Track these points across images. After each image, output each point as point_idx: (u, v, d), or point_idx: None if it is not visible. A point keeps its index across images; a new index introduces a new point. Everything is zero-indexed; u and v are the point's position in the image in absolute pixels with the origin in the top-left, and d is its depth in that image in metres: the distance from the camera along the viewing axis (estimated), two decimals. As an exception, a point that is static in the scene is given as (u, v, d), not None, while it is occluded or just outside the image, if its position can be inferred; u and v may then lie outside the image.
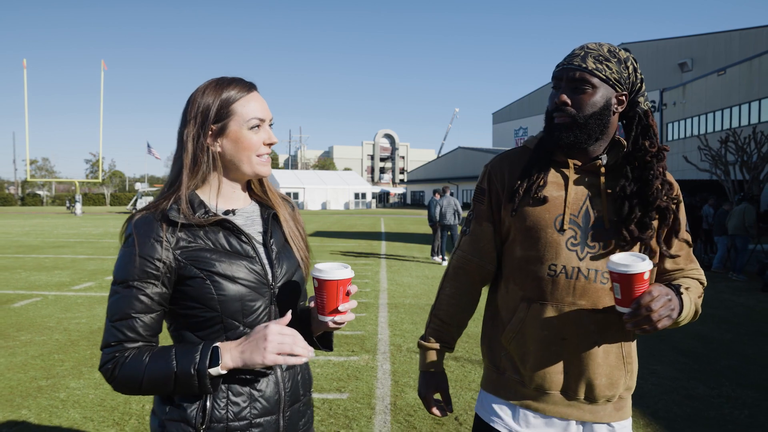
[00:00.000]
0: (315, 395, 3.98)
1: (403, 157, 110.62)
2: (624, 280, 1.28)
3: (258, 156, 1.36)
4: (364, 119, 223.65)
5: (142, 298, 1.23)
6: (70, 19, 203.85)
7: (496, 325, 1.58)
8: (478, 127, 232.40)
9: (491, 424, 1.52)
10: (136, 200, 42.87)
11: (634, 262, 1.29)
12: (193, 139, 1.31)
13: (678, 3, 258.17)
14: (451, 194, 12.50)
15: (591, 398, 1.45)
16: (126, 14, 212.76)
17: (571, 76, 1.43)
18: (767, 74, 25.28)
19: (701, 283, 1.54)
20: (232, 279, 1.27)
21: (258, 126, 1.35)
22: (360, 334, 5.86)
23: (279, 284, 1.35)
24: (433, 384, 1.58)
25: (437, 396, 1.61)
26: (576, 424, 1.47)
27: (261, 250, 1.37)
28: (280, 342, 1.19)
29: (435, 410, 1.58)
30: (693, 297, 1.44)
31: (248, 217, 1.41)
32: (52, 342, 5.50)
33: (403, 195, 71.61)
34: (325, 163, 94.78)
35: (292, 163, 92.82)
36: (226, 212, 1.37)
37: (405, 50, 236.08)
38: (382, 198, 66.90)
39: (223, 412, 1.27)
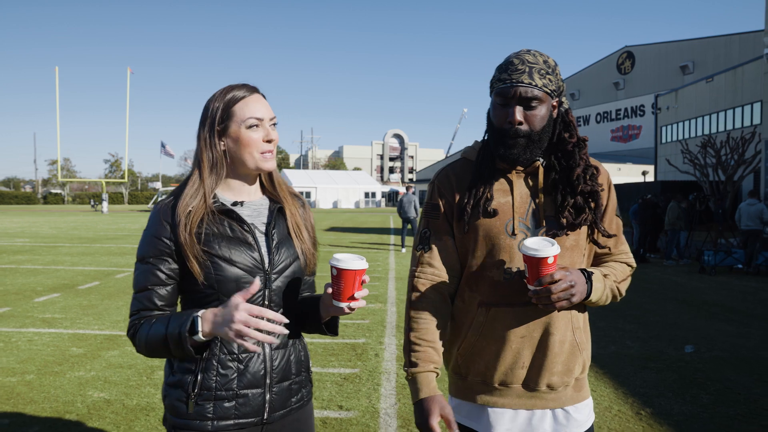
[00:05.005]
0: (348, 321, 6.30)
1: (412, 157, 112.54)
2: (530, 262, 1.38)
3: (261, 153, 1.46)
4: (374, 119, 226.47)
5: (157, 272, 1.41)
6: (87, 18, 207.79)
7: (454, 332, 1.61)
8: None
9: (468, 425, 1.58)
10: (156, 198, 45.36)
11: (542, 246, 1.38)
12: (204, 140, 1.46)
13: (681, 6, 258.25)
14: (413, 192, 14.78)
15: (551, 386, 1.53)
16: (141, 13, 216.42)
17: (522, 95, 1.44)
18: (750, 82, 27.12)
19: (629, 266, 1.62)
20: (230, 261, 1.41)
21: (256, 125, 1.45)
22: (375, 293, 8.25)
23: (275, 270, 1.47)
24: (434, 409, 1.44)
25: (440, 420, 1.46)
26: (541, 412, 1.54)
27: (262, 239, 1.49)
28: (244, 322, 1.25)
29: None
30: (610, 282, 1.53)
31: (255, 209, 1.53)
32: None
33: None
34: (336, 162, 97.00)
35: (303, 163, 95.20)
36: (234, 203, 1.50)
37: (414, 50, 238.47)
38: (392, 197, 69.13)
39: (212, 382, 1.41)
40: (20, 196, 69.15)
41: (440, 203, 1.61)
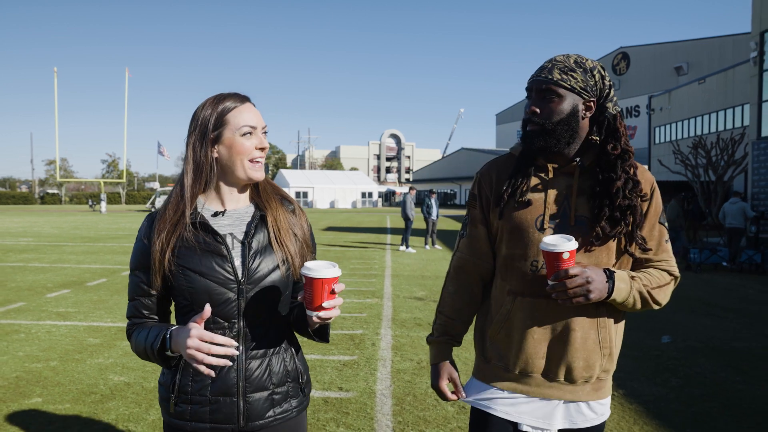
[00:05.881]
0: (346, 315, 6.68)
1: (408, 157, 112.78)
2: (548, 257, 1.45)
3: (251, 161, 1.49)
4: (371, 119, 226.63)
5: (141, 284, 1.49)
6: (86, 19, 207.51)
7: (486, 317, 1.71)
8: (483, 127, 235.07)
9: (481, 408, 1.66)
10: (154, 199, 45.47)
11: (558, 242, 1.45)
12: (195, 148, 1.48)
13: (676, 7, 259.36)
14: (409, 193, 15.30)
15: (570, 379, 1.58)
16: (140, 13, 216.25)
17: (539, 87, 1.55)
18: (741, 84, 27.54)
19: (670, 274, 1.62)
20: (201, 274, 1.44)
21: (250, 133, 1.48)
22: (372, 289, 8.63)
23: (250, 281, 1.47)
24: (443, 374, 1.70)
25: (449, 385, 1.72)
26: (557, 403, 1.60)
27: (239, 248, 1.49)
28: (197, 348, 1.31)
29: (450, 396, 1.70)
30: (638, 285, 1.55)
31: (238, 217, 1.54)
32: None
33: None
34: (333, 162, 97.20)
35: (300, 163, 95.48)
36: (215, 213, 1.52)
37: (411, 50, 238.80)
38: (388, 197, 69.44)
39: (188, 387, 1.48)
40: (17, 196, 69.12)
41: (478, 193, 1.72)
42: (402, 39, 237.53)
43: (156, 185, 58.53)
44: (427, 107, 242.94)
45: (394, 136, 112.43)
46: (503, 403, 1.63)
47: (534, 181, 1.63)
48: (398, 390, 4.29)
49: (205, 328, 1.41)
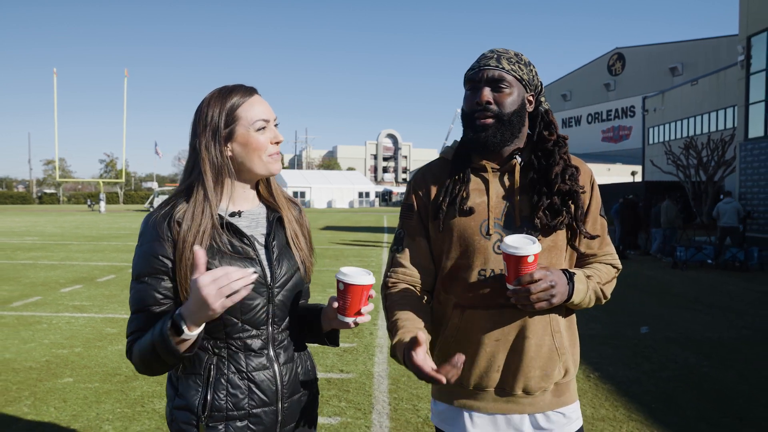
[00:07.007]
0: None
1: (405, 157, 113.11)
2: (510, 260, 1.36)
3: (269, 155, 1.43)
4: (368, 119, 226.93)
5: (153, 293, 1.33)
6: (85, 19, 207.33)
7: (432, 334, 1.56)
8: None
9: (444, 429, 1.56)
10: (152, 199, 45.70)
11: (522, 245, 1.35)
12: (208, 149, 1.38)
13: (672, 7, 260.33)
14: None
15: (528, 391, 1.49)
16: (139, 13, 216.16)
17: (490, 77, 1.46)
18: (732, 86, 28.01)
19: (614, 267, 1.59)
20: None
21: (264, 127, 1.42)
22: (369, 285, 9.04)
23: (277, 284, 1.42)
24: (419, 352, 1.29)
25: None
26: (519, 417, 1.51)
27: (262, 251, 1.43)
28: (218, 287, 1.16)
29: (436, 375, 1.25)
30: (593, 283, 1.50)
31: (253, 218, 1.47)
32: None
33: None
34: (330, 162, 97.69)
35: (297, 163, 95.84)
36: (233, 214, 1.43)
37: (407, 50, 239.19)
38: (385, 197, 69.86)
39: (223, 402, 1.36)
40: (15, 196, 69.31)
41: (414, 204, 1.60)
42: (399, 39, 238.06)
43: (154, 185, 58.89)
44: (424, 107, 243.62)
45: (391, 136, 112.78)
46: (461, 423, 1.53)
47: (473, 184, 1.54)
48: (394, 372, 4.72)
49: (234, 336, 1.36)
